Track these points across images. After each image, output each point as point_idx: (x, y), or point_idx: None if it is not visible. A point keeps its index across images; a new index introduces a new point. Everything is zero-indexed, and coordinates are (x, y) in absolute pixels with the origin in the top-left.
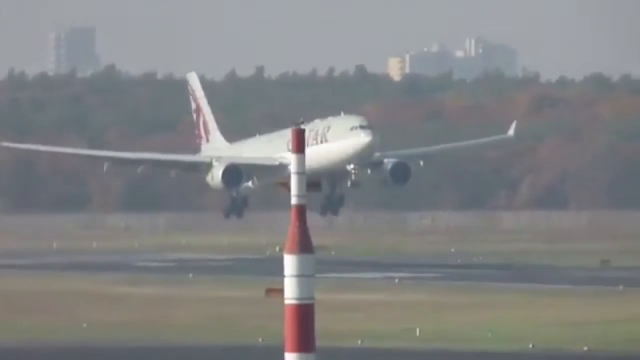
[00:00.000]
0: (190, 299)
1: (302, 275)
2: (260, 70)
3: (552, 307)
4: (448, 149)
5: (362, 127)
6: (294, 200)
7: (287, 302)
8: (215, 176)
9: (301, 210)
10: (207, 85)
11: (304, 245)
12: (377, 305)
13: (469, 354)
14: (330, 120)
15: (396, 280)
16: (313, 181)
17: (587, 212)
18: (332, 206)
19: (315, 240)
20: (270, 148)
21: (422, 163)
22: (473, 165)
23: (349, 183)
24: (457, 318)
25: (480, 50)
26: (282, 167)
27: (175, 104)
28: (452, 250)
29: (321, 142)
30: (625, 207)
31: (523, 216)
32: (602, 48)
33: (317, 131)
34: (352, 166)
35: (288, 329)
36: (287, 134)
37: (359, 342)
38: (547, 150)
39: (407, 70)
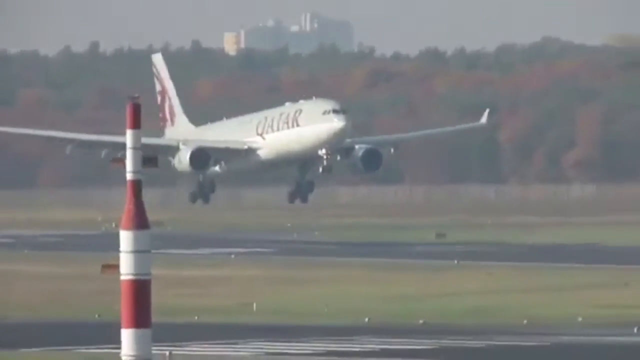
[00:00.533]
0: (25, 275)
1: (138, 251)
2: (95, 45)
3: (388, 281)
4: (421, 136)
5: (334, 111)
6: (129, 176)
7: (123, 278)
8: (183, 159)
9: (136, 186)
10: (40, 61)
11: (140, 221)
12: (214, 280)
13: (305, 327)
14: (302, 103)
15: (232, 256)
16: (149, 156)
17: (422, 187)
18: (301, 193)
19: (152, 216)
20: (239, 132)
21: (392, 150)
22: None
23: (320, 169)
24: (294, 293)
25: (316, 25)
26: (251, 151)
27: None
28: (289, 225)
29: (292, 126)
30: (460, 181)
31: (359, 191)
32: (437, 23)
33: (287, 115)
34: (323, 151)
35: (124, 305)
36: (257, 118)
37: (196, 317)
38: (382, 124)
39: (243, 45)
